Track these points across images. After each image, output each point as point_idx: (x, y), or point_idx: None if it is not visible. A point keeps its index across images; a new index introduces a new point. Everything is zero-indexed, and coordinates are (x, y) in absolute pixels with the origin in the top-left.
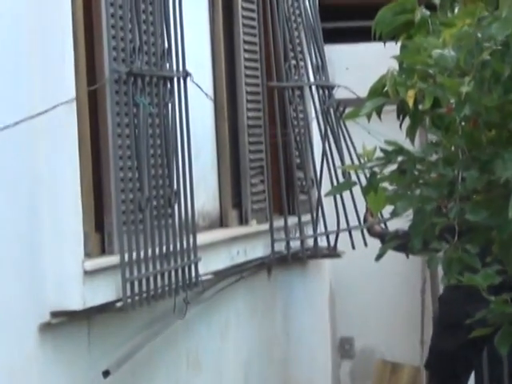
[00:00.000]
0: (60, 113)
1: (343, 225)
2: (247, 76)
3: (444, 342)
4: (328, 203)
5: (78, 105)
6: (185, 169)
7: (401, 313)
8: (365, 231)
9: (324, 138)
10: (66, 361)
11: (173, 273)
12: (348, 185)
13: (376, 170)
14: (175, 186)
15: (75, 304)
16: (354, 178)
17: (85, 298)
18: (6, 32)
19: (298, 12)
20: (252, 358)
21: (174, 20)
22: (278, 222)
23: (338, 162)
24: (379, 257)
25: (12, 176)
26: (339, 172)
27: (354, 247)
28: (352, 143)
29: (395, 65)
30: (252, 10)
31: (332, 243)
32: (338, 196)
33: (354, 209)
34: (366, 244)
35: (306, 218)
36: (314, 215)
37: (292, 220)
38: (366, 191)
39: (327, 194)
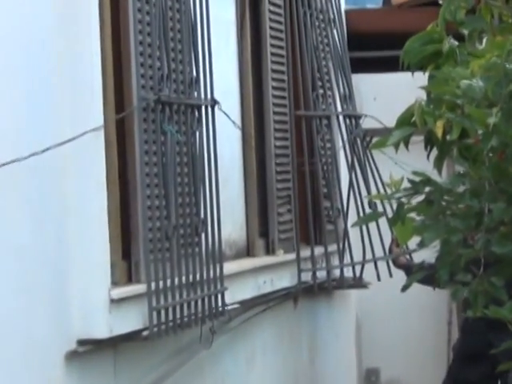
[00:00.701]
0: (88, 140)
1: (369, 255)
2: (275, 105)
3: (467, 372)
4: (354, 233)
5: (106, 132)
6: (212, 197)
7: (427, 344)
8: (390, 262)
9: (351, 167)
10: None
11: (199, 302)
12: (375, 216)
13: (403, 200)
14: (202, 215)
15: (102, 332)
16: (380, 208)
17: (111, 326)
18: (36, 59)
19: (326, 41)
20: None
21: (202, 48)
22: (305, 252)
23: (364, 192)
24: (405, 288)
25: (40, 203)
26: (365, 202)
27: (379, 279)
28: (378, 173)
29: (423, 95)
30: (280, 39)
31: (358, 274)
32: (363, 226)
33: (380, 239)
34: (391, 275)
35: (333, 248)
36: (341, 245)
37: (319, 250)
38: (393, 222)
39: (354, 225)
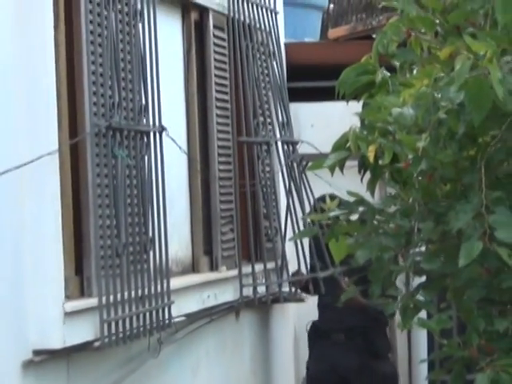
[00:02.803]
0: (44, 163)
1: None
2: (219, 131)
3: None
4: (291, 251)
5: (61, 156)
6: (160, 217)
7: None
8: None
9: (288, 190)
10: None
11: (147, 315)
12: (310, 231)
13: (340, 218)
14: (150, 234)
15: (56, 343)
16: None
17: (65, 337)
18: None
19: (266, 72)
20: None
21: (150, 78)
22: (246, 269)
23: (300, 214)
24: (341, 303)
25: None
26: (301, 223)
27: (313, 293)
28: (313, 195)
29: (357, 122)
30: (224, 70)
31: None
32: (299, 245)
33: (317, 257)
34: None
35: (272, 265)
36: (279, 263)
37: (259, 267)
38: (328, 239)
39: (291, 239)
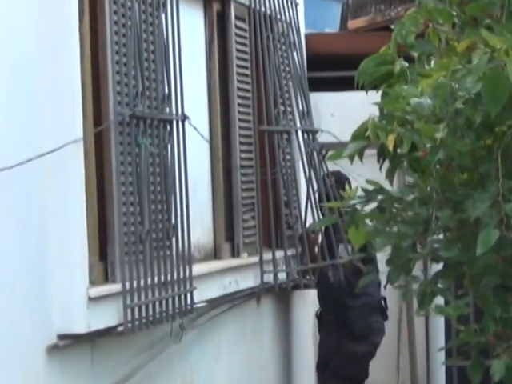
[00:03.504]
0: (68, 151)
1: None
2: (240, 120)
3: (354, 348)
4: None
5: (85, 144)
6: (182, 205)
7: None
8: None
9: (308, 178)
10: (70, 380)
11: (170, 300)
12: (331, 219)
13: (358, 207)
14: (173, 221)
15: (80, 328)
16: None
17: (89, 322)
18: (21, 76)
19: (286, 62)
20: (242, 379)
21: (173, 67)
22: (267, 255)
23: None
24: (360, 289)
25: (23, 209)
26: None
27: (331, 279)
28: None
29: (376, 112)
30: (245, 60)
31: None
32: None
33: (337, 246)
34: (342, 277)
35: (293, 251)
36: (299, 250)
37: (279, 253)
38: (347, 226)
39: (311, 228)
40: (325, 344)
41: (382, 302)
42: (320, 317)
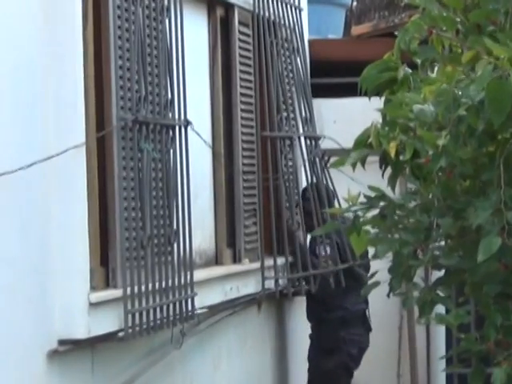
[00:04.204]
0: (71, 156)
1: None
2: (243, 126)
3: (324, 363)
4: None
5: (88, 149)
6: (184, 210)
7: (379, 347)
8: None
9: (310, 184)
10: None
11: (171, 306)
12: (333, 226)
13: (359, 213)
14: (175, 226)
15: (81, 333)
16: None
17: (89, 327)
18: (24, 80)
19: (290, 68)
20: None
21: (177, 73)
22: (268, 261)
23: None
24: (363, 297)
25: (25, 213)
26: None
27: (333, 286)
28: (334, 189)
29: (379, 118)
30: (249, 66)
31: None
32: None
33: (337, 252)
34: (343, 283)
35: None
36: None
37: (281, 260)
38: (349, 233)
39: (313, 234)
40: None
41: (367, 312)
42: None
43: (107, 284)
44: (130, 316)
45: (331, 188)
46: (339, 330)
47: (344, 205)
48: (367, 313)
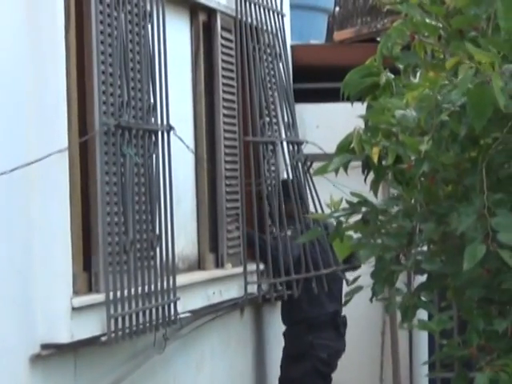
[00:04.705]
0: (53, 161)
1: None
2: (225, 131)
3: (291, 371)
4: None
5: (70, 154)
6: (167, 215)
7: (362, 352)
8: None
9: (293, 189)
10: None
11: (153, 310)
12: (316, 232)
13: (342, 219)
14: (157, 231)
15: (63, 337)
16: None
17: (72, 332)
18: (6, 85)
19: (272, 73)
20: None
21: (159, 78)
22: (251, 266)
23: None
24: (346, 302)
25: (8, 218)
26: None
27: (315, 291)
28: (317, 195)
29: (361, 123)
30: (231, 71)
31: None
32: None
33: (319, 255)
34: (327, 288)
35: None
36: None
37: (263, 264)
38: (332, 238)
39: (297, 241)
40: None
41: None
42: None
43: (90, 288)
44: (112, 320)
45: (302, 184)
46: (306, 335)
47: (327, 210)
48: (341, 317)
